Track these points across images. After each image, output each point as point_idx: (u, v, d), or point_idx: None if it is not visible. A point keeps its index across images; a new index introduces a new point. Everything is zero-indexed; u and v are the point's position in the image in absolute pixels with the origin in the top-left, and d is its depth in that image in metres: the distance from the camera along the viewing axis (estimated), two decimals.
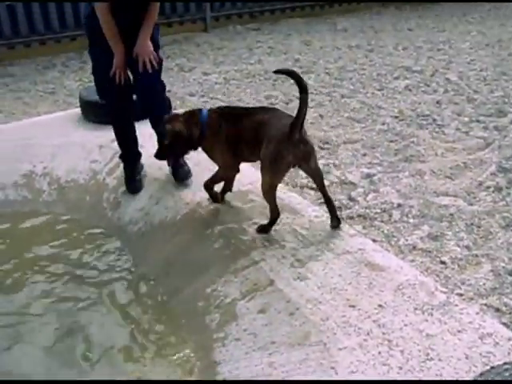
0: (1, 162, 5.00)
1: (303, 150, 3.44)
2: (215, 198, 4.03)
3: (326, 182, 4.34)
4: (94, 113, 5.52)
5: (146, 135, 4.54)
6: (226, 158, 3.80)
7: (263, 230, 3.70)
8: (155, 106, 4.18)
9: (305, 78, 6.09)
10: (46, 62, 8.78)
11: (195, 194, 4.16)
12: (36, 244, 4.24)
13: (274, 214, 3.66)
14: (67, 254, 4.13)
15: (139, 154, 4.54)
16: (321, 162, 4.79)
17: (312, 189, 4.39)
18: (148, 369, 3.17)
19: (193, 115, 3.79)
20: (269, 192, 3.58)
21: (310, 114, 6.04)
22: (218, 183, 4.00)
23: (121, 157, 4.53)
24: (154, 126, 4.23)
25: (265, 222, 3.73)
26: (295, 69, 7.27)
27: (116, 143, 4.56)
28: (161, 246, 3.98)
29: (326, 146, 5.32)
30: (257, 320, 3.15)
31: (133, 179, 4.47)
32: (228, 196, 4.09)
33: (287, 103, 6.47)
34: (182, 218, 4.03)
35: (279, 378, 2.79)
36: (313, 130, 5.63)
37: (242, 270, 3.46)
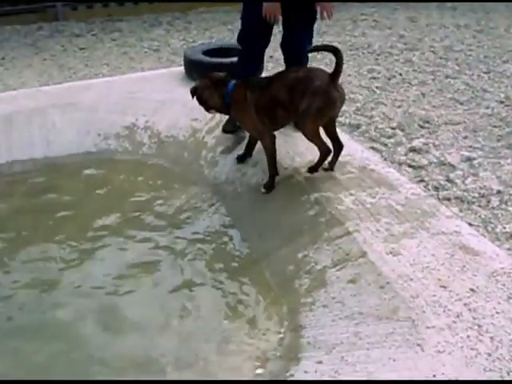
0: (106, 112, 5.18)
1: (343, 98, 3.82)
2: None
3: (425, 161, 4.29)
4: (197, 72, 5.60)
5: None
6: (258, 128, 4.01)
7: (314, 168, 3.99)
8: (298, 58, 4.35)
9: (409, 55, 5.99)
10: (153, 19, 8.97)
11: (294, 159, 4.18)
12: (133, 194, 4.44)
13: (325, 150, 3.93)
14: (163, 207, 4.30)
15: None
16: (420, 141, 4.74)
17: (411, 166, 4.34)
18: (238, 325, 3.26)
19: (223, 83, 4.07)
20: (317, 135, 3.87)
21: (412, 92, 5.94)
22: (275, 157, 4.06)
23: None
24: None
25: (361, 192, 3.73)
26: (399, 45, 7.27)
27: None
28: (255, 208, 4.04)
29: (426, 125, 5.22)
30: (346, 289, 3.16)
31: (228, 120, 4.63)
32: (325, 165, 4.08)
33: (389, 79, 6.37)
34: (279, 183, 4.06)
35: (363, 349, 2.80)
36: (414, 107, 5.54)
37: (334, 238, 3.47)
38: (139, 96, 5.42)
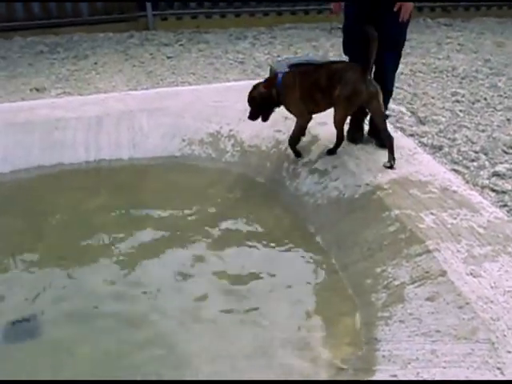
0: (192, 119, 5.34)
1: (372, 90, 4.27)
2: (298, 153, 4.77)
3: (508, 187, 4.24)
4: None
5: None
6: (300, 107, 4.59)
7: (331, 151, 4.62)
8: (388, 57, 4.52)
9: (494, 80, 5.94)
10: (238, 33, 9.17)
11: (376, 176, 4.20)
12: (215, 200, 4.60)
13: (341, 139, 4.58)
14: (242, 214, 4.41)
15: (365, 113, 4.76)
16: (504, 166, 4.67)
17: (493, 191, 4.29)
18: (314, 333, 3.30)
19: (271, 79, 4.66)
20: (342, 122, 4.51)
21: (497, 117, 5.86)
22: (299, 135, 4.72)
23: None
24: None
25: (442, 212, 3.72)
26: (484, 69, 7.18)
27: None
28: (335, 221, 4.08)
29: (510, 150, 5.13)
30: (423, 307, 3.15)
31: (355, 130, 4.85)
32: (406, 184, 4.08)
33: (473, 103, 6.30)
34: (360, 198, 4.09)
35: (440, 367, 2.79)
36: (498, 132, 5.46)
37: (414, 256, 3.47)
38: (224, 105, 5.55)
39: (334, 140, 4.61)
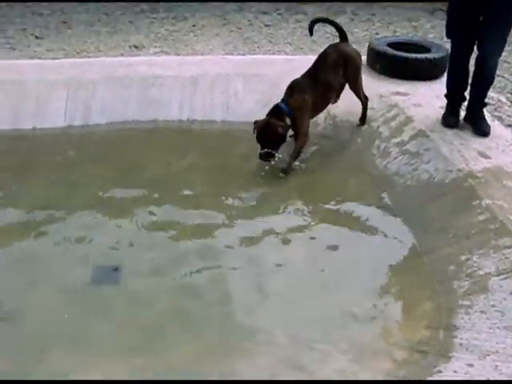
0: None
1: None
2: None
3: None
4: (380, 63, 5.63)
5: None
6: (307, 127, 4.62)
7: (363, 119, 4.89)
8: (492, 42, 4.35)
9: None
10: (338, 7, 9.03)
11: (469, 164, 4.11)
12: (297, 169, 4.63)
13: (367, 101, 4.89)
14: (327, 188, 4.45)
15: (463, 92, 4.65)
16: None
17: None
18: (393, 314, 3.32)
19: (278, 111, 4.51)
20: (361, 86, 4.86)
21: None
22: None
23: (446, 96, 4.71)
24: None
25: None
26: None
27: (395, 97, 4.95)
28: (423, 204, 4.03)
29: None
30: (507, 300, 3.10)
31: (451, 115, 4.66)
32: (500, 174, 3.97)
33: None
34: (450, 183, 4.03)
35: None
36: None
37: (502, 248, 3.40)
38: None
39: (429, 122, 4.55)
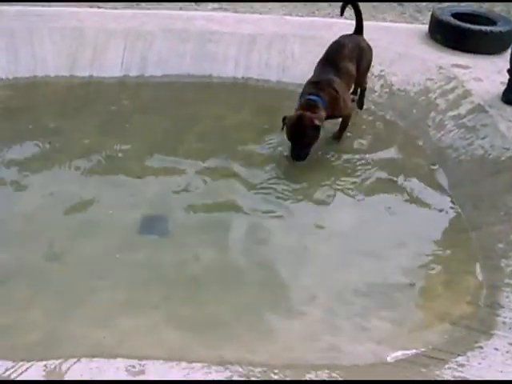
0: None
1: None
2: None
3: None
4: (442, 33, 5.50)
5: None
6: (350, 102, 4.49)
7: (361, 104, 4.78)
8: None
9: None
10: None
11: None
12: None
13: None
14: (378, 154, 4.39)
15: None
16: None
17: None
18: (435, 286, 3.31)
19: (309, 104, 4.13)
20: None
21: None
22: None
23: (508, 71, 4.57)
24: None
25: None
26: None
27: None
28: (476, 179, 3.97)
29: None
30: None
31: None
32: None
33: None
34: (506, 161, 3.94)
35: None
36: None
37: None
38: (378, 44, 5.39)
39: (489, 98, 4.49)
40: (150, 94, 5.15)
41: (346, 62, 4.42)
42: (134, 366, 2.47)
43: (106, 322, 2.94)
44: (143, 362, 2.50)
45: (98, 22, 5.54)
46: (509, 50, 4.74)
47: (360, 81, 4.70)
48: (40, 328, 2.87)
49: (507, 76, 4.56)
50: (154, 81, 5.25)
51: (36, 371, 2.39)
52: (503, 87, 4.57)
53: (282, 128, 4.13)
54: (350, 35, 4.67)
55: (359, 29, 4.71)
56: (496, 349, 2.76)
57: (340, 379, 2.51)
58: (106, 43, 5.35)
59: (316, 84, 4.25)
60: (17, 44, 5.23)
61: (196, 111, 4.82)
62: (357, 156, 4.37)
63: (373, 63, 5.18)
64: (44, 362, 2.45)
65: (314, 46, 5.39)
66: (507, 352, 2.72)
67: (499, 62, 5.00)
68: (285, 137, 4.17)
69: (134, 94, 5.12)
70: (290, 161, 4.18)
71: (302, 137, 4.07)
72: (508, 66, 4.57)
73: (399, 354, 2.84)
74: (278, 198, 3.89)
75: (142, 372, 2.44)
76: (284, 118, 4.12)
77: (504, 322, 2.92)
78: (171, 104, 4.96)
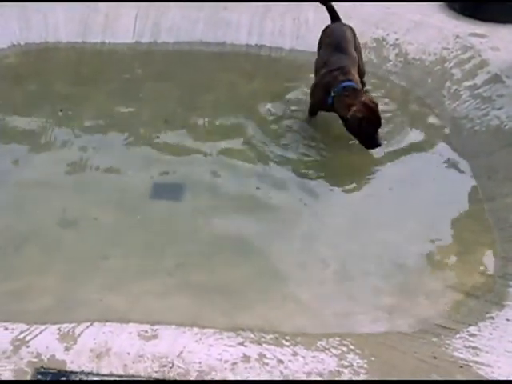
0: (359, 21, 5.14)
1: None
2: None
3: None
4: (460, 1, 5.39)
5: None
6: None
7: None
8: None
9: None
10: None
11: None
12: None
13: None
14: (391, 123, 4.33)
15: None
16: None
17: None
18: (449, 258, 3.30)
19: (356, 90, 3.95)
20: None
21: None
22: None
23: None
24: None
25: None
26: None
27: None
28: (490, 150, 3.93)
29: None
30: None
31: None
32: None
33: None
34: None
35: None
36: None
37: None
38: (395, 12, 5.34)
39: (506, 68, 4.40)
40: (162, 61, 5.13)
41: (352, 48, 4.30)
42: (146, 331, 2.49)
43: (119, 287, 2.96)
44: (155, 327, 2.52)
45: None
46: None
47: (362, 69, 4.44)
48: (53, 293, 2.91)
49: None
50: (167, 48, 5.23)
51: (50, 334, 2.41)
52: None
53: (351, 126, 3.88)
54: (339, 22, 4.48)
55: (337, 17, 4.49)
56: (508, 319, 2.75)
57: (352, 347, 2.51)
58: (118, 10, 5.30)
59: (341, 70, 4.05)
60: (28, 11, 5.19)
61: (209, 79, 4.80)
62: None
63: (388, 32, 5.14)
64: (58, 326, 2.47)
65: (327, 13, 5.31)
66: None
67: None
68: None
69: (147, 61, 5.11)
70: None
71: (374, 126, 3.87)
72: None
73: (411, 322, 2.84)
74: (290, 166, 3.89)
75: (155, 337, 2.45)
76: (347, 118, 3.86)
77: None
78: (184, 71, 4.92)
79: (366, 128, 3.83)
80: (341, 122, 4.02)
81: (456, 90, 4.52)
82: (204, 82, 4.75)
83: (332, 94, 3.97)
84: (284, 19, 5.37)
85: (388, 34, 5.16)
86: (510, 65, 4.48)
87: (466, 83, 4.51)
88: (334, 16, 4.51)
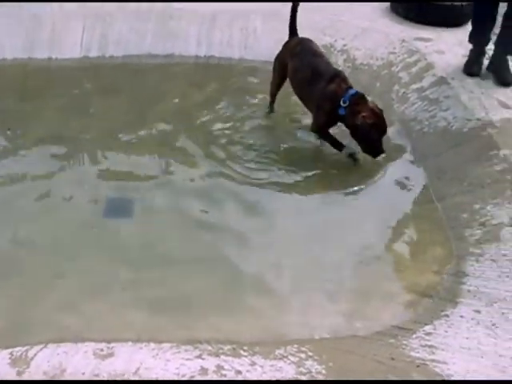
0: (307, 29, 5.18)
1: None
2: None
3: None
4: (404, 6, 5.49)
5: None
6: None
7: None
8: None
9: None
10: None
11: (488, 113, 4.05)
12: None
13: None
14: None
15: (488, 40, 4.56)
16: None
17: None
18: (402, 257, 3.35)
19: (364, 98, 3.89)
20: None
21: None
22: None
23: (470, 42, 4.60)
24: None
25: None
26: None
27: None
28: (439, 151, 4.00)
29: None
30: None
31: (474, 63, 4.54)
32: None
33: None
34: (468, 132, 3.98)
35: None
36: None
37: None
38: (341, 19, 5.42)
39: (451, 70, 4.55)
40: (111, 74, 5.08)
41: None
42: (102, 349, 2.45)
43: (74, 306, 2.90)
44: (111, 345, 2.48)
45: (55, 3, 5.39)
46: (469, 23, 4.77)
47: None
48: (5, 315, 2.82)
49: (468, 48, 4.59)
50: (115, 61, 5.19)
51: (1, 359, 2.34)
52: (464, 59, 4.60)
53: (365, 132, 3.83)
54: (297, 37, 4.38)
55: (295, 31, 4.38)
56: (461, 316, 2.79)
57: (310, 354, 2.51)
58: (65, 24, 5.25)
59: (340, 77, 4.01)
60: None
61: (159, 90, 4.78)
62: None
63: (336, 38, 5.20)
64: (9, 350, 2.41)
65: (276, 22, 5.34)
66: (472, 319, 2.76)
67: (460, 35, 5.01)
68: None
69: (95, 75, 5.04)
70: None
71: (386, 129, 3.91)
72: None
73: (368, 325, 2.86)
74: (242, 175, 3.89)
75: (111, 355, 2.41)
76: (358, 124, 3.81)
77: (469, 290, 2.96)
78: (133, 84, 4.89)
79: (374, 135, 3.83)
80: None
81: (404, 92, 4.60)
82: (154, 94, 4.72)
83: (343, 105, 3.85)
84: (232, 29, 5.38)
85: (336, 41, 5.22)
86: (454, 67, 4.58)
87: (414, 86, 4.60)
88: (293, 27, 4.39)
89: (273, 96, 4.46)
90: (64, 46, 5.16)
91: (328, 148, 4.12)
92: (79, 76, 4.98)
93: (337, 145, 4.04)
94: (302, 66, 4.12)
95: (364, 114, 3.77)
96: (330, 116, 3.96)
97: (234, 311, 2.90)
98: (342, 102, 3.85)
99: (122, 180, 3.80)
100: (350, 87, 3.94)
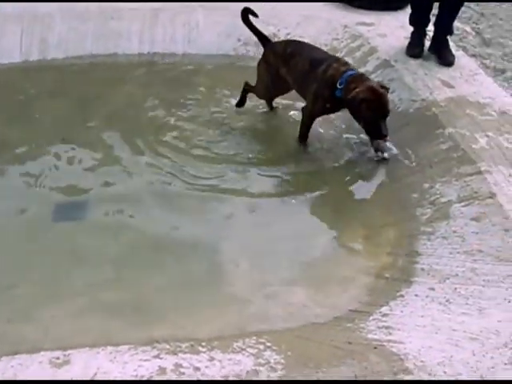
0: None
1: None
2: None
3: None
4: None
5: None
6: None
7: None
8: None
9: None
10: None
11: (432, 93, 4.12)
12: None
13: None
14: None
15: (428, 22, 4.62)
16: None
17: None
18: (355, 240, 3.38)
19: (363, 78, 3.75)
20: None
21: None
22: None
23: (410, 24, 4.67)
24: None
25: (498, 136, 3.66)
26: None
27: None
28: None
29: None
30: (468, 226, 3.14)
31: (416, 45, 4.61)
32: (463, 104, 4.02)
33: None
34: (414, 112, 4.05)
35: (478, 285, 2.80)
36: None
37: (464, 175, 3.43)
38: (283, 8, 5.41)
39: (394, 53, 4.57)
40: (54, 78, 4.96)
41: None
42: (58, 358, 2.40)
43: (29, 315, 2.85)
44: (67, 352, 2.43)
45: None
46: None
47: None
48: None
49: (410, 30, 4.64)
50: (57, 64, 5.08)
51: None
52: (407, 41, 4.66)
53: (365, 110, 3.62)
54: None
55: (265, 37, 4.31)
56: (416, 295, 2.83)
57: (268, 345, 2.51)
58: (1, 28, 5.10)
59: (339, 61, 3.90)
60: None
61: (103, 91, 4.71)
62: (267, 118, 4.44)
63: (279, 27, 5.20)
64: None
65: (218, 16, 5.35)
66: (427, 297, 2.80)
67: (402, 17, 5.07)
68: None
69: (38, 79, 4.93)
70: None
71: (387, 109, 3.68)
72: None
73: (326, 312, 2.87)
74: (194, 176, 3.84)
75: (67, 362, 2.38)
76: (359, 99, 3.59)
77: (423, 269, 3.00)
78: (78, 86, 4.79)
79: (367, 112, 3.60)
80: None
81: None
82: (99, 95, 4.65)
83: (340, 87, 3.67)
84: (174, 25, 5.33)
85: (279, 30, 5.23)
86: (398, 50, 4.63)
87: (360, 70, 4.60)
88: (261, 35, 4.31)
89: (268, 101, 4.43)
90: (3, 51, 5.03)
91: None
92: (22, 81, 4.88)
93: (303, 138, 4.03)
94: (300, 61, 3.97)
95: (358, 89, 3.58)
96: (327, 102, 3.83)
97: (191, 307, 2.87)
98: (338, 85, 3.69)
99: (72, 182, 3.74)
100: (351, 69, 3.78)
